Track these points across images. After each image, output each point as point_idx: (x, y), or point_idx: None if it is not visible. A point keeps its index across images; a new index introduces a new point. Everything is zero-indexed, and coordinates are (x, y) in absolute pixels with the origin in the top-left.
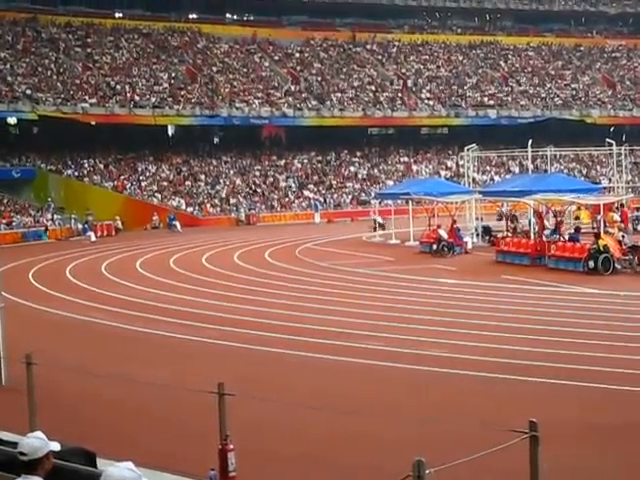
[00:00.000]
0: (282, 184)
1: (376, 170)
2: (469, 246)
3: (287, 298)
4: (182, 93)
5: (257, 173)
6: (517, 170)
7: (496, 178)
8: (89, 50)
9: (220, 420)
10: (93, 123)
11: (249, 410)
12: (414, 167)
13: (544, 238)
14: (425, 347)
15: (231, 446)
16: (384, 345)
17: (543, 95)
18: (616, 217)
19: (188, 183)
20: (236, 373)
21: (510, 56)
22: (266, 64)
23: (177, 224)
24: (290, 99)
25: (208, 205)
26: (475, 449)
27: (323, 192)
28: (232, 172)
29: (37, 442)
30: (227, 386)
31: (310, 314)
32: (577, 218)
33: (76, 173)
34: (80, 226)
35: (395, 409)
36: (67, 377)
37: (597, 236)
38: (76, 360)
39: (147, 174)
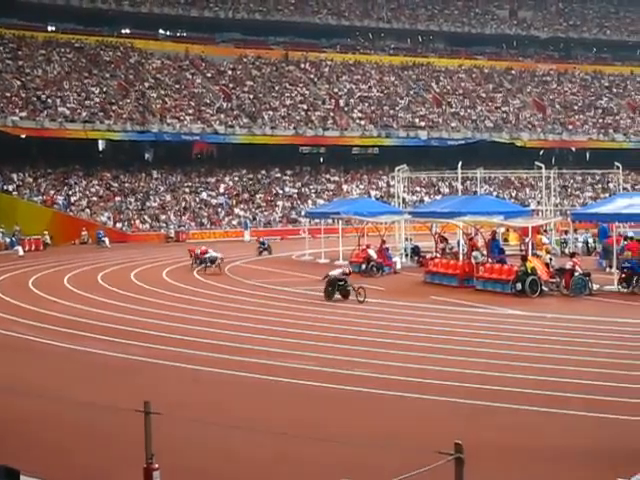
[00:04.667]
0: (212, 201)
1: (307, 189)
2: (398, 266)
3: (214, 316)
4: (113, 108)
5: (187, 190)
6: (447, 191)
7: (426, 199)
8: (20, 63)
9: (146, 439)
10: (23, 136)
11: (177, 429)
12: (345, 186)
13: (473, 260)
14: (352, 367)
15: (156, 465)
16: (311, 364)
17: (474, 117)
18: (544, 239)
19: (118, 198)
20: (163, 391)
21: (442, 78)
22: (198, 81)
23: (106, 240)
24: (222, 116)
25: (137, 221)
26: (401, 471)
27: (253, 210)
28: (162, 188)
29: None
30: (153, 405)
31: (236, 332)
32: (506, 240)
33: (5, 187)
34: (8, 240)
35: (322, 430)
36: None
37: (524, 258)
38: (1, 377)
39: (77, 189)
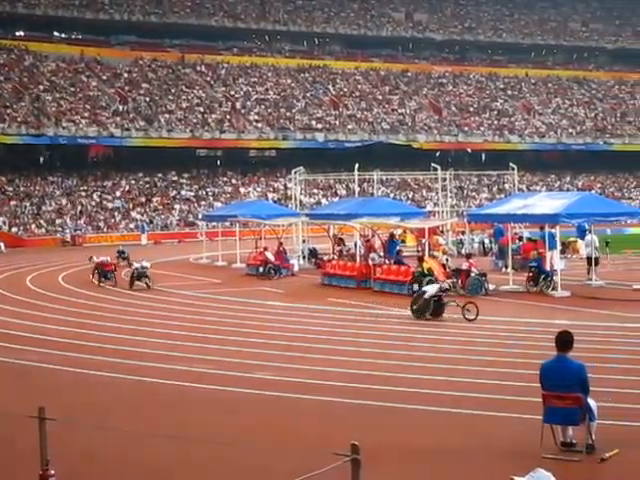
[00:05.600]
0: (109, 205)
1: (204, 192)
2: (296, 268)
3: (113, 321)
4: (8, 111)
5: (83, 193)
6: (344, 193)
7: (323, 201)
8: None
9: (41, 445)
10: None
11: (76, 436)
12: (242, 189)
13: (370, 261)
14: (251, 370)
15: (52, 472)
16: (210, 368)
17: (370, 119)
18: (441, 240)
19: (13, 203)
20: (58, 397)
21: (338, 80)
22: (94, 83)
23: (1, 245)
24: (118, 119)
25: (33, 225)
26: (297, 473)
27: (150, 213)
28: (58, 192)
29: None
30: (49, 411)
31: (134, 336)
32: (403, 241)
33: None
34: None
35: (219, 432)
36: None
37: (421, 259)
38: None
39: None
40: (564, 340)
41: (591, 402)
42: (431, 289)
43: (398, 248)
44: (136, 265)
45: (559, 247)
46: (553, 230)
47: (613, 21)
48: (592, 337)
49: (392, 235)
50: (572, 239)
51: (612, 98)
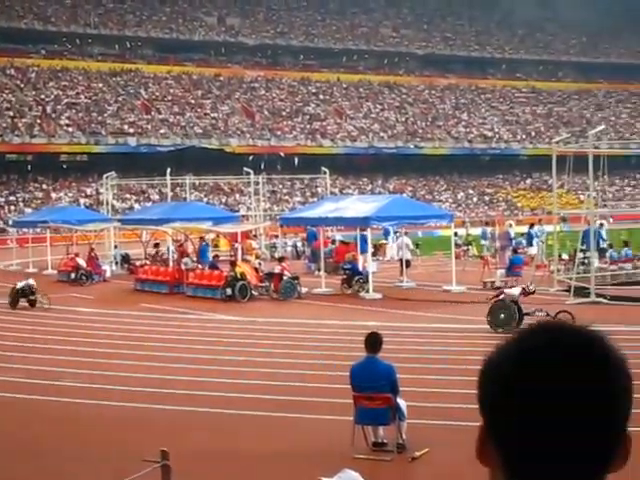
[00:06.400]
0: None
1: (14, 197)
2: (108, 274)
3: None
4: None
5: None
6: (157, 198)
7: (136, 206)
8: None
9: None
10: None
11: None
12: (53, 194)
13: (183, 266)
14: (63, 378)
15: None
16: (20, 377)
17: (183, 124)
18: (254, 244)
19: None
20: None
21: (151, 84)
22: None
23: None
24: None
25: None
26: None
27: None
28: None
29: None
30: None
31: None
32: (216, 246)
33: None
34: None
35: (29, 443)
36: None
37: (234, 264)
38: None
39: None
40: (373, 341)
41: (401, 402)
42: (513, 291)
43: (215, 253)
44: (20, 285)
45: (371, 249)
46: (365, 233)
47: (423, 27)
48: (403, 338)
49: (204, 239)
50: (383, 241)
51: (422, 102)
